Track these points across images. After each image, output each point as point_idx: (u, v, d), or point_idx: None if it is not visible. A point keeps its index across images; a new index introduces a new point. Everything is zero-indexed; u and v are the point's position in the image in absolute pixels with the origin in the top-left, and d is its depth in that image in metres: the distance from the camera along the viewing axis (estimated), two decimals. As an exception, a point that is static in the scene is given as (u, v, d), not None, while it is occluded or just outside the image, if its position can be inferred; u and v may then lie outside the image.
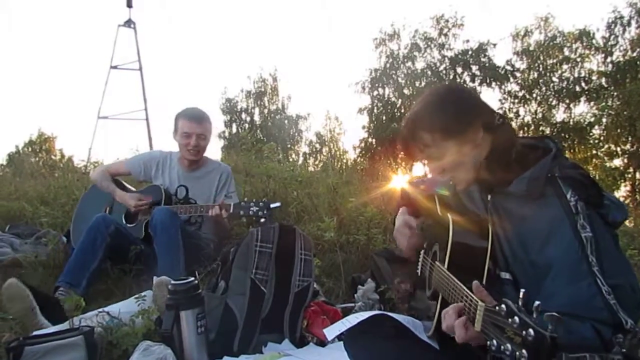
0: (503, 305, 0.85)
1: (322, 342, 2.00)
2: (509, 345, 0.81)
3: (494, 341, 0.85)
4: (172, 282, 1.84)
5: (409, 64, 24.08)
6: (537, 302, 0.80)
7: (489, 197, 1.32)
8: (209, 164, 2.95)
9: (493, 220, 1.30)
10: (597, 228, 1.11)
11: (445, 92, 1.34)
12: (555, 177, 1.16)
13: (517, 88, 22.08)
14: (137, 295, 2.09)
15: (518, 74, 21.94)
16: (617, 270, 1.10)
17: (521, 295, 0.84)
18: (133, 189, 3.06)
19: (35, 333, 1.88)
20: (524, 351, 0.77)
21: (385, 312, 1.48)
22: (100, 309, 2.04)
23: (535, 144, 1.28)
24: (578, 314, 1.03)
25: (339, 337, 1.93)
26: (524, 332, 0.77)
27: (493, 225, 1.29)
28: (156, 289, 2.03)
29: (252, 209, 2.54)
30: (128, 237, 2.66)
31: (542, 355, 0.75)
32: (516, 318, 0.80)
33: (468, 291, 1.06)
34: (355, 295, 2.40)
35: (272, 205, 2.55)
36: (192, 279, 1.86)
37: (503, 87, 22.12)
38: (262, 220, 2.56)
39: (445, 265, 1.26)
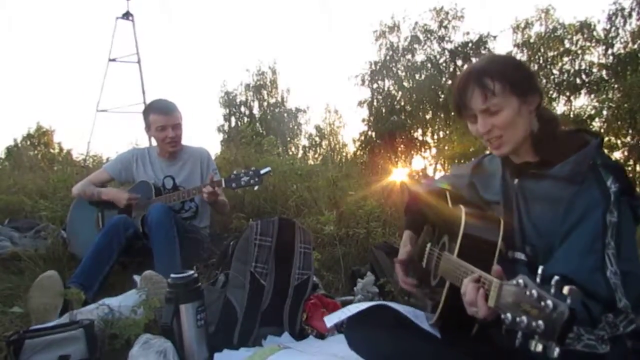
0: (520, 280, 0.85)
1: (322, 335, 2.01)
2: (524, 318, 0.80)
3: (508, 314, 0.85)
4: (172, 275, 1.85)
5: (409, 56, 24.02)
6: (556, 277, 0.80)
7: (516, 180, 1.33)
8: (186, 150, 2.93)
9: (517, 201, 1.31)
10: (624, 216, 1.13)
11: (518, 59, 1.43)
12: (596, 164, 1.18)
13: (517, 80, 21.99)
14: (137, 288, 2.10)
15: (518, 67, 21.85)
16: (633, 259, 1.13)
17: (539, 271, 0.85)
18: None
19: (34, 327, 1.89)
20: (540, 322, 0.76)
21: (386, 302, 1.48)
22: (100, 302, 2.04)
23: (573, 133, 1.31)
24: (576, 282, 1.03)
25: (339, 330, 1.95)
26: (542, 304, 0.77)
27: (516, 207, 1.31)
28: (143, 285, 2.04)
29: (243, 179, 2.54)
30: (142, 239, 2.63)
31: (560, 326, 0.75)
32: (534, 291, 0.80)
33: (480, 271, 1.07)
34: (355, 288, 2.41)
35: (262, 172, 2.55)
36: (192, 272, 1.86)
37: (503, 79, 22.03)
38: (256, 187, 2.57)
39: (456, 253, 1.27)
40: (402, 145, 23.39)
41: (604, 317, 1.04)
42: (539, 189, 1.26)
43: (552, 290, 0.79)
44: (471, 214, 1.32)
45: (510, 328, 0.85)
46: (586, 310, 1.02)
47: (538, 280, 0.84)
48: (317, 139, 29.31)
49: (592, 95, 19.89)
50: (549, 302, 0.76)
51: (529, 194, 1.29)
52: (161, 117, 2.74)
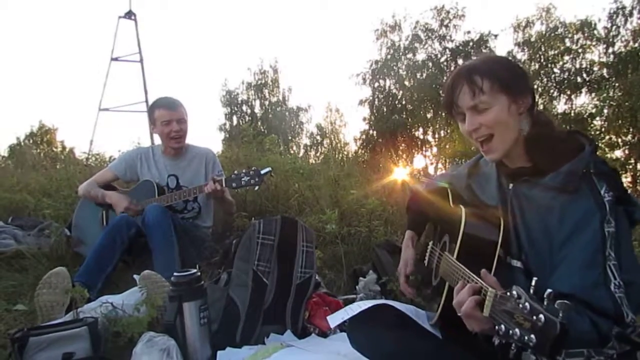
0: (514, 292, 0.85)
1: (324, 333, 2.02)
2: (517, 330, 0.81)
3: (502, 326, 0.85)
4: (175, 274, 1.86)
5: (410, 55, 24.00)
6: (549, 290, 0.79)
7: (510, 185, 1.31)
8: (191, 150, 2.95)
9: (512, 208, 1.29)
10: (620, 224, 1.11)
11: (510, 60, 1.40)
12: (590, 172, 1.16)
13: (518, 79, 21.96)
14: (139, 286, 2.11)
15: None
16: (633, 268, 1.12)
17: (533, 283, 0.84)
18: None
19: (38, 324, 1.90)
20: (532, 336, 0.77)
21: (388, 302, 1.49)
22: (104, 300, 2.05)
23: (567, 137, 1.28)
24: (582, 299, 1.04)
25: (341, 328, 1.95)
26: (534, 317, 0.77)
27: (511, 213, 1.29)
28: (142, 284, 2.05)
29: (243, 179, 2.56)
30: (145, 238, 2.62)
31: (551, 341, 0.75)
32: (527, 304, 0.80)
33: (477, 278, 1.06)
34: (357, 287, 2.42)
35: (262, 172, 2.57)
36: (195, 270, 1.87)
37: (504, 78, 22.00)
38: (257, 188, 2.59)
39: (455, 255, 1.27)
40: (403, 144, 23.38)
41: (612, 333, 1.01)
42: (532, 197, 1.24)
43: (545, 303, 0.79)
44: (471, 216, 1.31)
45: (503, 339, 0.85)
46: (595, 329, 1.01)
47: (532, 291, 0.83)
48: (318, 137, 29.28)
49: (593, 94, 19.84)
50: (541, 316, 0.76)
51: (523, 201, 1.27)
52: (166, 111, 2.78)
